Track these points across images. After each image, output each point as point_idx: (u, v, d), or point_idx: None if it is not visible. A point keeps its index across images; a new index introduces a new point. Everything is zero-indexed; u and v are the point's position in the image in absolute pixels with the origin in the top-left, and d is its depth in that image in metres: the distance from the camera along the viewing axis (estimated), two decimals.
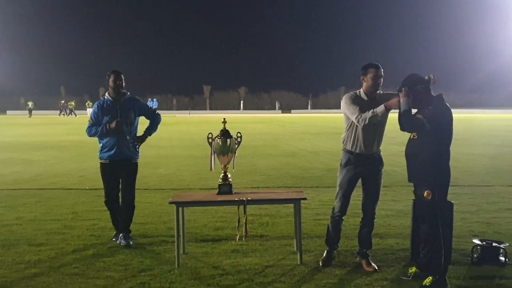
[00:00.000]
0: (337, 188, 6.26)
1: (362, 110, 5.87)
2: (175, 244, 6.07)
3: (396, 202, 9.54)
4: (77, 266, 6.09)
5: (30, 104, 73.99)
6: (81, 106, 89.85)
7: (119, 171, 7.19)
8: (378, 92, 6.05)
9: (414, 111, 5.62)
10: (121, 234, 7.15)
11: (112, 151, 7.10)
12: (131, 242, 7.02)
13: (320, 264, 6.09)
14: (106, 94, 7.27)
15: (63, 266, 6.10)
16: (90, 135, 7.28)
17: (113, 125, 7.01)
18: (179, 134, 29.54)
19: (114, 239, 7.20)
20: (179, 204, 6.15)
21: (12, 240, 7.27)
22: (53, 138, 26.95)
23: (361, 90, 6.08)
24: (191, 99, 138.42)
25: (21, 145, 23.05)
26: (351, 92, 6.16)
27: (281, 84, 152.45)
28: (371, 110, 5.78)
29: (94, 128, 7.15)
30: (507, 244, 6.34)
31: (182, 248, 6.51)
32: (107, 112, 7.12)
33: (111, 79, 7.12)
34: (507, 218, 8.30)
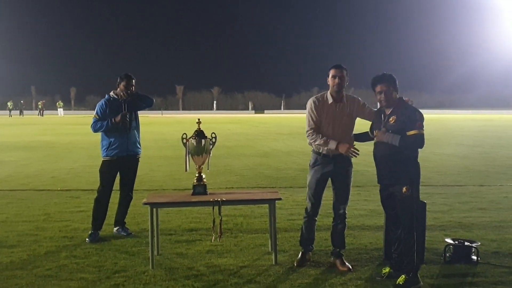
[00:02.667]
0: (307, 189, 6.31)
1: (325, 117, 6.03)
2: (149, 245, 6.03)
3: (369, 202, 9.61)
4: (50, 268, 6.02)
5: (9, 104, 73.08)
6: (52, 106, 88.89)
7: (122, 166, 7.48)
8: (347, 94, 6.16)
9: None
10: (118, 227, 7.55)
11: (121, 148, 7.35)
12: (131, 232, 7.51)
13: (295, 265, 6.11)
14: (112, 92, 7.49)
15: (36, 268, 6.02)
16: (95, 130, 7.45)
17: (118, 118, 7.25)
18: (152, 134, 29.42)
19: (87, 240, 7.15)
20: (154, 205, 6.11)
21: None
22: (23, 139, 26.58)
23: (328, 92, 6.16)
24: (164, 99, 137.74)
25: None
26: (317, 96, 6.24)
27: (255, 84, 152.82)
28: (324, 139, 5.95)
29: (100, 123, 7.33)
30: (479, 243, 6.43)
31: (156, 249, 6.48)
32: (114, 108, 7.35)
33: (122, 83, 7.38)
34: (479, 218, 8.41)
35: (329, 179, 6.23)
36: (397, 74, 5.82)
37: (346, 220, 6.32)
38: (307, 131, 6.10)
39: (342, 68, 6.06)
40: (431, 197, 9.87)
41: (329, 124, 6.05)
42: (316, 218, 6.36)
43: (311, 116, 6.09)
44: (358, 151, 5.91)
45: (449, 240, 6.45)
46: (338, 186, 6.21)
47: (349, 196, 6.28)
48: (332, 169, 6.12)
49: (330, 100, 6.07)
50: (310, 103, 6.16)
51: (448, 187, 11.48)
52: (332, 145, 5.90)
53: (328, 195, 6.31)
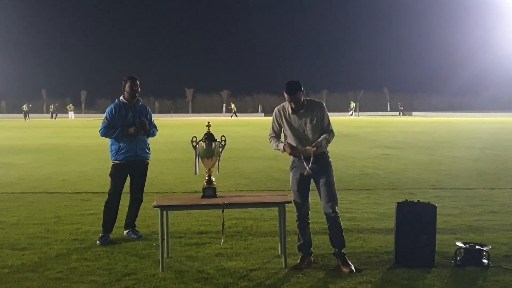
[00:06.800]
0: (292, 192, 6.43)
1: (289, 126, 6.27)
2: (159, 248, 6.05)
3: (379, 205, 9.58)
4: (61, 271, 6.05)
5: (25, 107, 73.36)
6: (63, 109, 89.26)
7: (132, 171, 7.56)
8: (306, 100, 6.27)
9: None
10: (129, 230, 7.60)
11: (130, 153, 7.44)
12: (141, 235, 7.55)
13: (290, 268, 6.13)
14: (121, 97, 7.60)
15: (47, 271, 6.05)
16: (104, 135, 7.55)
17: (131, 130, 7.36)
18: (162, 137, 29.38)
19: (98, 242, 7.18)
20: (164, 208, 6.14)
21: None
22: (33, 142, 26.72)
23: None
24: (174, 102, 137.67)
25: (1, 148, 22.83)
26: (280, 106, 6.39)
27: (264, 87, 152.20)
28: (277, 143, 6.31)
29: (112, 130, 7.41)
30: (490, 247, 6.39)
31: (166, 252, 6.49)
32: (122, 115, 7.48)
33: (127, 85, 7.50)
34: (490, 221, 8.36)
35: (311, 182, 6.30)
36: (407, 77, 5.94)
37: (339, 219, 6.31)
38: (269, 138, 6.43)
39: (294, 93, 6.09)
40: (442, 200, 9.82)
41: (292, 133, 6.27)
42: (309, 221, 6.42)
43: (272, 125, 6.41)
44: (300, 153, 6.10)
45: (460, 244, 6.42)
46: (320, 187, 6.27)
47: (336, 195, 6.31)
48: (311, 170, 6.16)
49: (289, 110, 6.24)
50: (273, 113, 6.43)
51: (459, 190, 11.42)
52: (280, 147, 6.22)
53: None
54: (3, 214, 9.15)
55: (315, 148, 6.01)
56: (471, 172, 14.38)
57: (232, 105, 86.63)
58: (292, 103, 6.12)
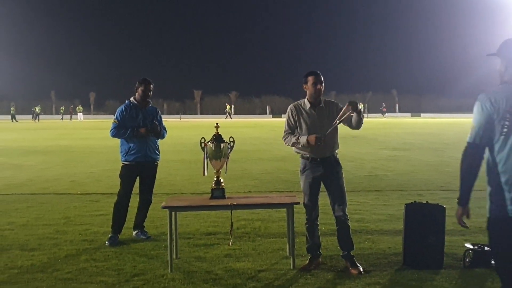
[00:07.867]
0: (303, 195, 6.38)
1: (304, 123, 6.22)
2: (168, 248, 6.07)
3: (388, 207, 9.56)
4: (70, 271, 6.08)
5: (37, 108, 73.67)
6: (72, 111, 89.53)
7: (141, 172, 7.61)
8: (324, 99, 6.34)
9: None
10: (138, 231, 7.63)
11: (140, 154, 7.48)
12: (150, 236, 7.59)
13: (299, 269, 6.13)
14: (132, 98, 7.67)
15: (56, 271, 6.08)
16: (114, 136, 7.61)
17: (142, 130, 7.41)
18: (170, 139, 29.38)
19: (107, 243, 7.21)
20: (172, 209, 6.16)
21: (4, 245, 7.25)
22: (42, 143, 26.86)
23: (305, 99, 6.32)
24: (182, 104, 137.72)
25: (10, 150, 22.98)
26: (295, 103, 6.41)
27: (272, 88, 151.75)
28: (296, 137, 6.18)
29: (123, 130, 7.46)
30: None
31: (175, 253, 6.51)
32: (133, 116, 7.55)
33: (141, 88, 7.59)
34: None
35: (321, 183, 6.30)
36: (415, 78, 5.90)
37: (349, 221, 6.32)
38: (283, 136, 6.35)
39: (320, 75, 6.28)
40: (450, 201, 9.72)
41: (308, 130, 6.21)
42: (318, 222, 6.42)
43: (287, 122, 6.38)
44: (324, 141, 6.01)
45: (468, 245, 6.41)
46: (331, 188, 6.27)
47: (346, 197, 6.32)
48: (322, 172, 6.20)
49: (308, 106, 6.26)
50: (288, 111, 6.43)
51: None
52: (303, 140, 6.08)
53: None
54: (12, 215, 9.21)
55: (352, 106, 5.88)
56: (479, 174, 14.29)
57: (228, 107, 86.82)
58: (318, 84, 6.17)
